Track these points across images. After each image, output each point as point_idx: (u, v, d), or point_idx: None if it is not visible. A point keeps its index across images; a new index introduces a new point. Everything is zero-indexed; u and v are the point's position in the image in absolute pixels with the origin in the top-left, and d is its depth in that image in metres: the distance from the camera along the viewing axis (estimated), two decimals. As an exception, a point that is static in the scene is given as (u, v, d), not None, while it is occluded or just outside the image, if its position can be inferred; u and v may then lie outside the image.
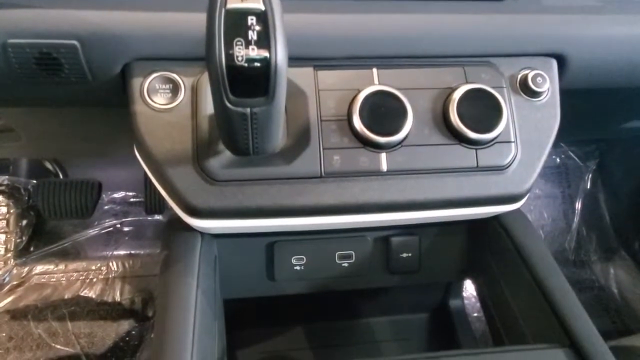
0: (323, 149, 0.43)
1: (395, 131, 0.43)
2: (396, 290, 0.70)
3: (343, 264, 0.55)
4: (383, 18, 0.45)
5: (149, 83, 0.42)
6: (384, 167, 0.44)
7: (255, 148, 0.37)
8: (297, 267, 0.54)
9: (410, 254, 0.55)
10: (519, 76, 0.48)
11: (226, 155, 0.42)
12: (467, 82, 0.46)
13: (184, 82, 0.43)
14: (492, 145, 0.45)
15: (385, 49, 0.45)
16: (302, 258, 0.54)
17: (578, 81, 0.50)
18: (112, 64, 0.43)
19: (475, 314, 0.95)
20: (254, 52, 0.31)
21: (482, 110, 0.45)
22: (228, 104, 0.33)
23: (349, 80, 0.44)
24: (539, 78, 0.47)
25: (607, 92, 0.55)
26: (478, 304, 0.89)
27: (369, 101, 0.43)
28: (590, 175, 1.18)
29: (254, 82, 0.32)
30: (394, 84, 0.45)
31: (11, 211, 1.12)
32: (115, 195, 1.20)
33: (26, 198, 1.13)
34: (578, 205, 1.17)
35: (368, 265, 0.56)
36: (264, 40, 0.31)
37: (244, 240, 0.52)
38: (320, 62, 0.45)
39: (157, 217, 1.16)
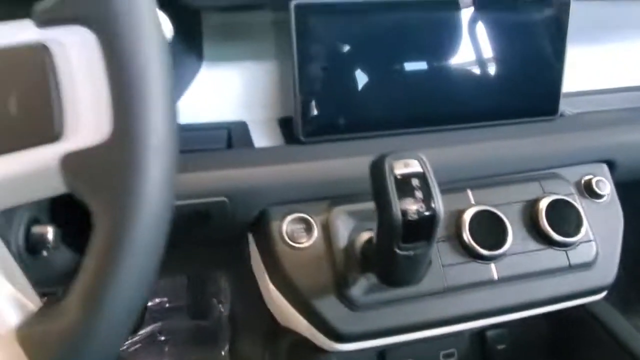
0: (442, 266, 0.49)
1: (500, 244, 0.50)
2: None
3: (447, 363, 0.60)
4: (472, 147, 0.53)
5: (287, 225, 0.48)
6: (495, 276, 0.50)
7: (409, 280, 0.42)
8: (406, 371, 0.58)
9: (504, 346, 0.60)
10: (583, 182, 0.57)
11: (362, 283, 0.47)
12: (544, 193, 0.54)
13: (315, 221, 0.49)
14: (578, 245, 0.53)
15: (476, 172, 0.53)
16: (410, 361, 0.59)
17: (626, 178, 0.60)
18: (253, 211, 0.48)
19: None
20: (422, 208, 0.38)
21: (565, 216, 0.53)
22: (397, 250, 0.39)
23: (450, 202, 0.52)
24: (600, 182, 0.56)
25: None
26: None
27: (474, 220, 0.50)
28: None
29: (421, 231, 0.38)
30: (489, 202, 0.52)
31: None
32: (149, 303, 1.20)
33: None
34: None
35: (469, 360, 0.61)
36: (428, 197, 0.38)
37: (360, 352, 0.56)
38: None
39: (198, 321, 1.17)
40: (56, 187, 0.26)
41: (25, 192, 0.26)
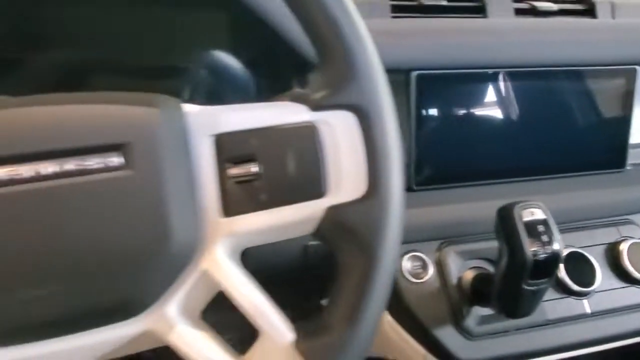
0: (543, 301, 0.55)
1: (591, 282, 0.57)
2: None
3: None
4: (558, 196, 0.61)
5: (405, 262, 0.55)
6: (588, 310, 0.56)
7: (528, 312, 0.49)
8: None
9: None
10: None
11: (475, 315, 0.54)
12: (622, 237, 0.61)
13: (429, 258, 0.56)
14: (655, 283, 0.59)
15: (561, 218, 0.60)
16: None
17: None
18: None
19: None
20: (549, 250, 0.45)
21: (642, 256, 0.60)
22: (525, 286, 0.46)
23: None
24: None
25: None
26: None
27: (567, 260, 0.57)
28: None
29: (545, 269, 0.45)
30: (576, 244, 0.59)
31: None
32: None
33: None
34: None
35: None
36: (550, 240, 0.45)
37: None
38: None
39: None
40: (309, 230, 0.33)
41: (289, 233, 0.33)
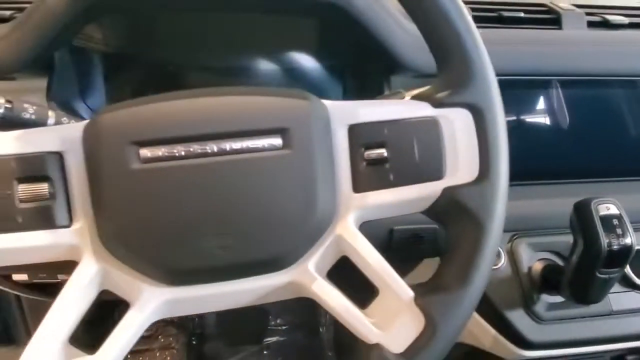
0: (609, 294, 0.60)
1: (654, 278, 0.61)
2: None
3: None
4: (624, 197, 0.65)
5: None
6: (651, 303, 0.60)
7: (598, 299, 0.53)
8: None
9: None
10: None
11: (544, 301, 0.58)
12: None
13: (501, 248, 0.61)
14: None
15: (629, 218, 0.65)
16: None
17: None
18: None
19: None
20: (622, 242, 0.49)
21: None
22: (598, 274, 0.50)
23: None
24: None
25: None
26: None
27: (633, 258, 0.61)
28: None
29: (617, 260, 0.50)
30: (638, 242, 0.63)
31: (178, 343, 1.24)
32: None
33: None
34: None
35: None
36: (624, 233, 0.50)
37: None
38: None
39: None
40: (424, 207, 0.39)
41: (408, 209, 0.39)
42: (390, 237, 0.59)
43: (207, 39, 0.67)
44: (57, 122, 0.45)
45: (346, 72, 0.71)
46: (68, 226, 0.35)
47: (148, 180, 0.34)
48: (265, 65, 0.72)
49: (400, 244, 0.60)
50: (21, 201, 0.33)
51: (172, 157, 0.34)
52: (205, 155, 0.35)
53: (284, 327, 1.36)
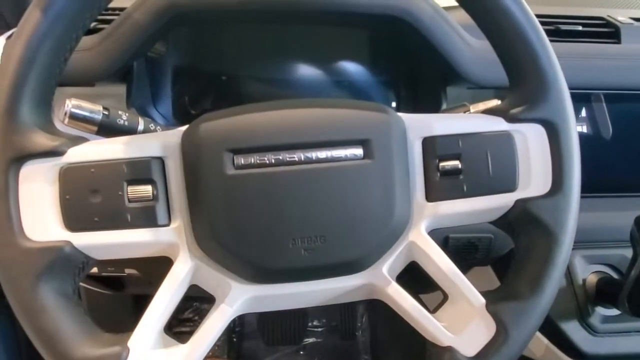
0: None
1: None
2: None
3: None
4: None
5: None
6: None
7: None
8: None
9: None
10: None
11: (599, 314, 0.59)
12: None
13: None
14: None
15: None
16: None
17: None
18: (507, 247, 0.62)
19: None
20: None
21: None
22: None
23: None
24: None
25: None
26: None
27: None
28: None
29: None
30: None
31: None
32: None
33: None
34: None
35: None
36: None
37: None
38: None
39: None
40: (494, 217, 0.41)
41: (479, 219, 0.41)
42: (445, 243, 0.61)
43: (265, 51, 0.70)
44: (145, 128, 0.49)
45: (399, 83, 0.73)
46: (167, 225, 0.38)
47: (241, 185, 0.37)
48: (319, 77, 0.74)
49: (454, 251, 0.61)
50: (130, 201, 0.37)
51: (263, 165, 0.37)
52: (293, 163, 0.37)
53: (320, 329, 1.39)
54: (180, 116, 0.68)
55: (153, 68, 0.67)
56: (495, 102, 0.51)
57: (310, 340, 1.34)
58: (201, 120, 0.38)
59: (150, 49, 0.59)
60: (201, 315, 1.22)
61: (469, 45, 0.59)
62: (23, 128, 0.35)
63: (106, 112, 0.46)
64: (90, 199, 0.36)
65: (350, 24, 0.63)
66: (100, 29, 0.58)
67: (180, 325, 1.20)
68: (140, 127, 0.48)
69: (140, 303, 1.02)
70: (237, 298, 0.38)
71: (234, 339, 1.27)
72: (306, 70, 0.74)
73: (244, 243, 0.37)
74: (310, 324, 1.37)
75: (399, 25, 0.58)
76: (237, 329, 1.28)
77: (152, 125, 0.50)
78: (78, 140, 0.37)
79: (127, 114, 0.48)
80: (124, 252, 0.38)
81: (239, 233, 0.37)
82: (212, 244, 0.37)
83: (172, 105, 0.70)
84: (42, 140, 0.35)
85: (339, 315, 1.29)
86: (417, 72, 0.68)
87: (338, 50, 0.72)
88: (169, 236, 0.38)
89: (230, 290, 0.38)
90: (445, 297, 0.41)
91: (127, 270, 0.69)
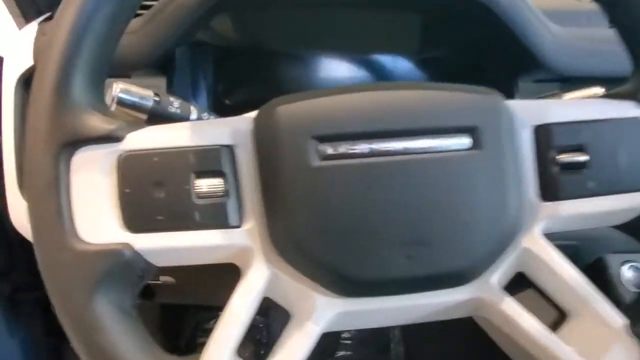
0: None
1: None
2: None
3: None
4: None
5: (625, 272, 0.55)
6: None
7: None
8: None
9: None
10: None
11: None
12: None
13: None
14: None
15: None
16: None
17: None
18: (592, 257, 0.56)
19: None
20: None
21: None
22: None
23: None
24: None
25: None
26: None
27: None
28: None
29: None
30: None
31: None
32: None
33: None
34: None
35: None
36: None
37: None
38: None
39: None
40: (628, 218, 0.35)
41: (606, 221, 0.35)
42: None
43: (314, 33, 0.64)
44: (198, 118, 0.44)
45: (447, 74, 0.67)
46: (239, 226, 0.32)
47: (328, 179, 0.31)
48: (361, 67, 0.69)
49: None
50: (198, 197, 0.31)
51: (354, 155, 0.31)
52: (390, 153, 0.31)
53: (351, 342, 1.32)
54: (215, 108, 0.62)
55: (195, 56, 0.61)
56: (595, 91, 0.45)
57: (341, 353, 1.27)
58: (276, 102, 0.32)
59: (195, 34, 0.54)
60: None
61: (552, 33, 0.53)
62: (75, 107, 0.29)
63: (157, 98, 0.40)
64: (154, 193, 0.30)
65: (409, 6, 0.57)
66: (140, 14, 0.53)
67: (205, 336, 1.14)
68: (193, 115, 0.43)
69: (166, 313, 0.96)
70: (323, 314, 0.32)
71: (262, 352, 1.20)
72: (349, 61, 0.69)
73: (332, 248, 0.31)
74: (342, 336, 1.30)
75: (471, 9, 0.53)
76: (264, 340, 1.21)
77: (205, 114, 0.44)
78: (135, 125, 0.32)
79: (179, 102, 0.42)
80: (190, 258, 0.32)
81: (326, 237, 0.31)
82: (293, 250, 0.31)
83: (207, 97, 0.65)
84: (97, 122, 0.29)
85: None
86: (483, 62, 0.62)
87: (384, 39, 0.66)
88: (242, 239, 0.31)
89: (315, 304, 0.32)
90: (562, 315, 0.35)
91: (162, 278, 0.63)
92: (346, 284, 0.31)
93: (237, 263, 0.33)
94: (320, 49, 0.66)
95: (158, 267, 0.31)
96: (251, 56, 0.67)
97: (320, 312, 0.32)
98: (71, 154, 0.29)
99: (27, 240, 0.51)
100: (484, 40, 0.59)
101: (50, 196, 0.28)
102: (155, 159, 0.30)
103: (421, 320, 0.34)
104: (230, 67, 0.67)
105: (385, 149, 0.31)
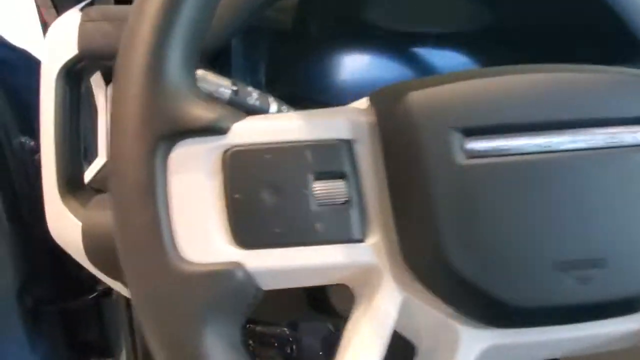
0: None
1: None
2: None
3: None
4: None
5: None
6: None
7: None
8: None
9: None
10: None
11: None
12: None
13: None
14: None
15: None
16: None
17: None
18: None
19: None
20: None
21: None
22: None
23: None
24: None
25: None
26: None
27: None
28: None
29: None
30: None
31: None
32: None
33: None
34: None
35: None
36: None
37: None
38: None
39: None
40: None
41: None
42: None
43: (384, 10, 0.59)
44: (279, 111, 0.38)
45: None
46: (362, 240, 0.26)
47: (477, 182, 0.25)
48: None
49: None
50: (319, 204, 0.25)
51: (511, 152, 0.25)
52: (555, 150, 0.25)
53: None
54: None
55: (249, 45, 0.55)
56: None
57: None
58: (402, 88, 0.26)
59: (261, 14, 0.48)
60: (260, 340, 1.10)
61: None
62: (172, 92, 0.23)
63: (235, 88, 0.34)
64: (268, 199, 0.24)
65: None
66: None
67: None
68: (273, 108, 0.37)
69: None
70: (471, 350, 0.26)
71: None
72: (393, 59, 0.63)
73: (485, 268, 0.25)
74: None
75: None
76: (293, 354, 1.15)
77: (284, 107, 0.38)
78: (238, 113, 0.26)
79: (258, 93, 0.36)
80: (301, 280, 0.26)
81: (476, 253, 0.24)
82: (434, 269, 0.25)
83: (265, 82, 0.59)
84: (197, 110, 0.23)
85: (395, 344, 1.16)
86: (570, 46, 0.56)
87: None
88: (367, 256, 0.25)
89: (460, 338, 0.26)
90: None
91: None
92: (501, 312, 0.25)
93: (352, 285, 0.27)
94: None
95: (265, 291, 0.25)
96: (300, 47, 0.61)
97: (467, 348, 0.25)
98: (169, 150, 0.23)
99: (52, 250, 0.45)
100: (579, 18, 0.53)
101: (145, 203, 0.22)
102: (268, 156, 0.24)
103: (582, 353, 0.28)
104: (278, 60, 0.61)
105: (549, 144, 0.25)
